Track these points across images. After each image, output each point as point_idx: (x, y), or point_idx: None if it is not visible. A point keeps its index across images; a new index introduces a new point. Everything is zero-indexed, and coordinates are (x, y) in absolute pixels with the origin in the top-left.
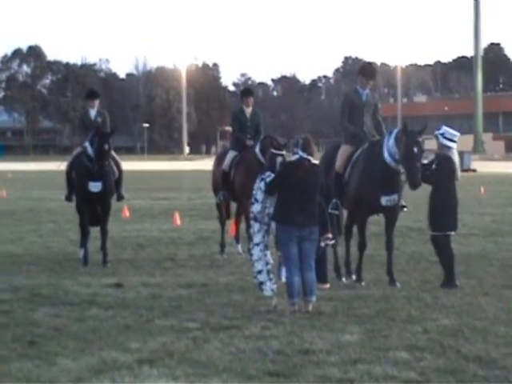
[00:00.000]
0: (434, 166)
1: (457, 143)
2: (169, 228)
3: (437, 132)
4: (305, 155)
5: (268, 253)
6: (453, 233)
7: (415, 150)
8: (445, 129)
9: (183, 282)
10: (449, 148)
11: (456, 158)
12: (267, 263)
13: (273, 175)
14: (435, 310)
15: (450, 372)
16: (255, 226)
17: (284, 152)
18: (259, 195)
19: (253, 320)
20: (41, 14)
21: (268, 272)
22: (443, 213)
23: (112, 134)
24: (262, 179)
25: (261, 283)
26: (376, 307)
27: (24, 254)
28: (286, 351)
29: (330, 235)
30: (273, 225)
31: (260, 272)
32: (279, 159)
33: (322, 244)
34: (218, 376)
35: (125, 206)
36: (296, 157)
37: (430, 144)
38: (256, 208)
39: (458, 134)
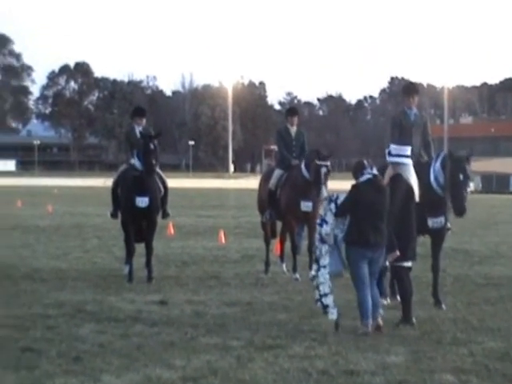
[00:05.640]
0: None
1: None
2: (213, 246)
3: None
4: (376, 172)
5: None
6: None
7: (461, 177)
8: (391, 146)
9: (228, 300)
10: (398, 165)
11: (410, 174)
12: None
13: (341, 197)
14: (481, 332)
15: None
16: (323, 249)
17: (329, 163)
18: (329, 217)
19: (297, 339)
20: (89, 31)
21: (332, 294)
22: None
23: (157, 136)
24: (331, 201)
25: (326, 306)
26: (421, 329)
27: (69, 269)
28: (331, 372)
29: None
30: (342, 247)
31: (326, 295)
32: (323, 170)
33: (387, 263)
34: None
35: (170, 223)
36: (365, 177)
37: (476, 166)
38: (325, 230)
39: (407, 147)
